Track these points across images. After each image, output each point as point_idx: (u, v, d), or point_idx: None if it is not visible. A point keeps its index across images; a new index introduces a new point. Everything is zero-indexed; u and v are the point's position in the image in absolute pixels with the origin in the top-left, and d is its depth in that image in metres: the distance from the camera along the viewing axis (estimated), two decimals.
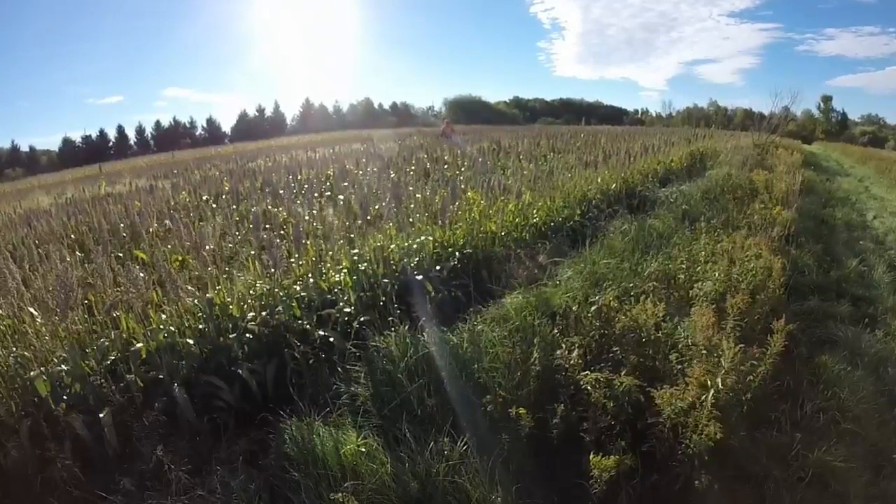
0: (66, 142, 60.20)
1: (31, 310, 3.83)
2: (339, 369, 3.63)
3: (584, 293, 4.19)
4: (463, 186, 7.15)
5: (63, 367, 3.43)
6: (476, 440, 2.86)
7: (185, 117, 70.22)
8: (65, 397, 3.35)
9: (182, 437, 3.22)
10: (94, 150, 55.34)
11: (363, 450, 2.86)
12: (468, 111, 58.18)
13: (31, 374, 3.32)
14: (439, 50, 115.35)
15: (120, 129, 62.54)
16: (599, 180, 8.90)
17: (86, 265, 5.06)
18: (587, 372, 2.94)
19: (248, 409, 3.49)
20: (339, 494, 2.45)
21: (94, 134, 61.01)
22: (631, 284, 4.40)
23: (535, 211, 6.73)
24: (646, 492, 2.67)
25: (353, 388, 3.40)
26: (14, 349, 3.57)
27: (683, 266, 4.66)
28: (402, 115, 67.56)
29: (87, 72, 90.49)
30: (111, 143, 60.94)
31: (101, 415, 3.14)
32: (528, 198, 6.91)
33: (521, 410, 2.87)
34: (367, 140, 20.96)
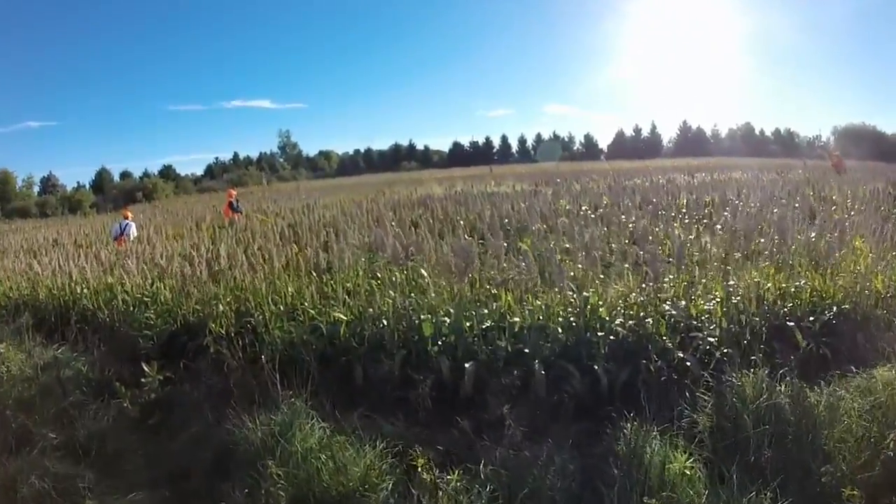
0: (456, 144, 73.06)
1: (423, 271, 4.97)
2: (688, 394, 3.68)
3: None
4: (852, 233, 6.17)
5: (446, 319, 4.37)
6: None
7: (565, 132, 75.42)
8: (440, 342, 4.26)
9: (526, 406, 3.69)
10: (478, 154, 65.36)
11: (687, 473, 2.94)
12: (860, 143, 47.28)
13: (422, 316, 4.32)
14: (829, 68, 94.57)
15: (504, 139, 72.59)
16: None
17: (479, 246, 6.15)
18: None
19: (588, 403, 3.83)
20: (653, 500, 2.55)
21: (480, 140, 71.86)
22: None
23: None
24: None
25: (695, 416, 3.46)
26: (410, 295, 4.69)
27: None
28: (785, 143, 60.06)
29: (479, 87, 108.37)
30: (495, 150, 70.69)
31: (466, 364, 3.91)
32: None
33: (854, 492, 2.77)
34: (746, 169, 19.81)
